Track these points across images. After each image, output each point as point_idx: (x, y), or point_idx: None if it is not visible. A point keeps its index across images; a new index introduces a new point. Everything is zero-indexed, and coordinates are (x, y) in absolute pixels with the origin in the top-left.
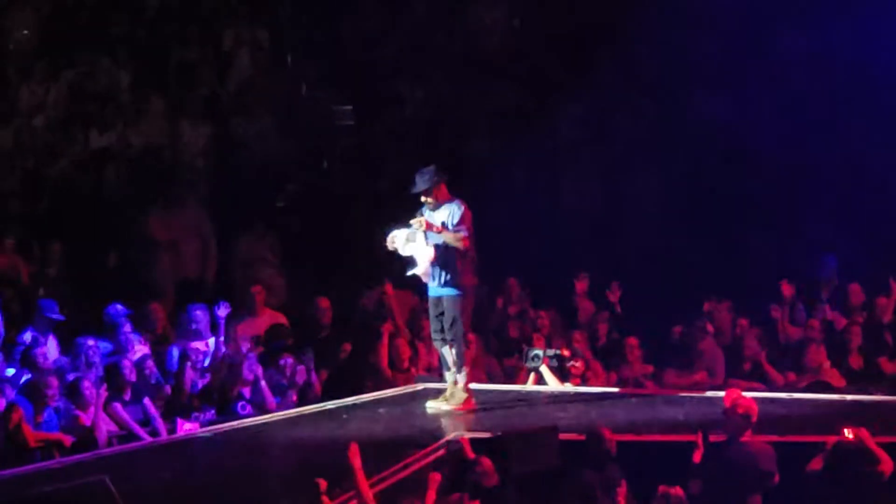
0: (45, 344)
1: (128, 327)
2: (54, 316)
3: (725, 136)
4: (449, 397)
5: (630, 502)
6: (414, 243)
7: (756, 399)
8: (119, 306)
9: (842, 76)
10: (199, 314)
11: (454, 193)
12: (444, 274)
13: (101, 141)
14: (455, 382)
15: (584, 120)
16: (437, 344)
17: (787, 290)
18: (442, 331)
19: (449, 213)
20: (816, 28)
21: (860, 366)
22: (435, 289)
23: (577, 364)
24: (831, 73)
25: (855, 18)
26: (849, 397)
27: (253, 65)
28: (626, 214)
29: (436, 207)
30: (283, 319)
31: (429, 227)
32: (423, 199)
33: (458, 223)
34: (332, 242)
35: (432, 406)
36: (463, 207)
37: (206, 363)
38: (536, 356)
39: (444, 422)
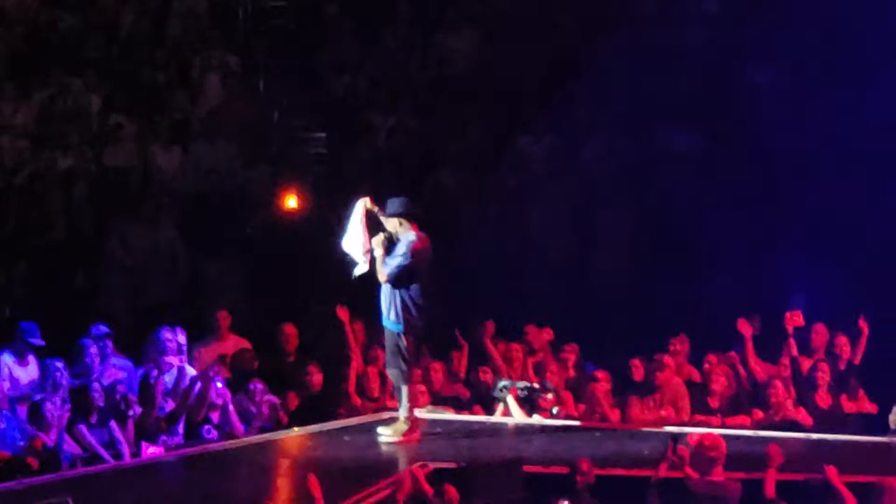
0: (26, 365)
1: (107, 349)
2: (35, 341)
3: (695, 169)
4: (392, 428)
5: None
6: (349, 238)
7: (723, 436)
8: (102, 327)
9: (814, 109)
10: (170, 336)
11: (420, 227)
12: (389, 307)
13: (70, 161)
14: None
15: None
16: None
17: (744, 328)
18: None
19: (404, 243)
20: (787, 61)
21: (828, 404)
22: (383, 319)
23: (549, 397)
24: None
25: (826, 51)
26: (814, 436)
27: (224, 90)
28: (595, 247)
29: (404, 232)
30: (247, 345)
31: (373, 203)
32: (390, 224)
33: (399, 262)
34: (301, 269)
35: (380, 432)
36: (414, 241)
37: (170, 386)
38: (504, 387)
39: (408, 451)
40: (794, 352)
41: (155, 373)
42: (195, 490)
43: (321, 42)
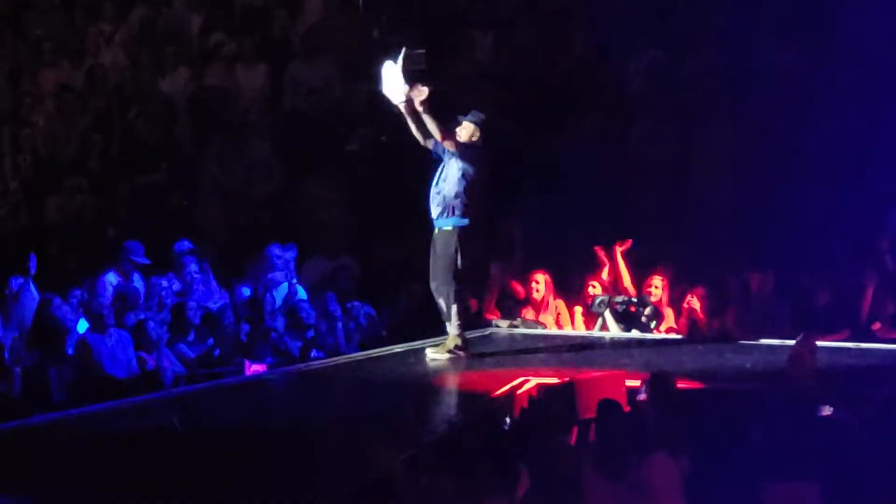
0: (134, 282)
1: (194, 266)
2: (140, 259)
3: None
4: (444, 345)
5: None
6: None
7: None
8: (186, 242)
9: None
10: (278, 252)
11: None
12: (450, 201)
13: (170, 82)
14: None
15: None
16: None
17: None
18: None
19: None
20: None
21: None
22: (437, 220)
23: (647, 312)
24: None
25: None
26: None
27: (324, 8)
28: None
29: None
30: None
31: (424, 104)
32: (464, 130)
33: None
34: (401, 187)
35: (428, 353)
36: (481, 145)
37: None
38: (602, 302)
39: (510, 366)
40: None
41: (262, 290)
42: (296, 406)
43: None
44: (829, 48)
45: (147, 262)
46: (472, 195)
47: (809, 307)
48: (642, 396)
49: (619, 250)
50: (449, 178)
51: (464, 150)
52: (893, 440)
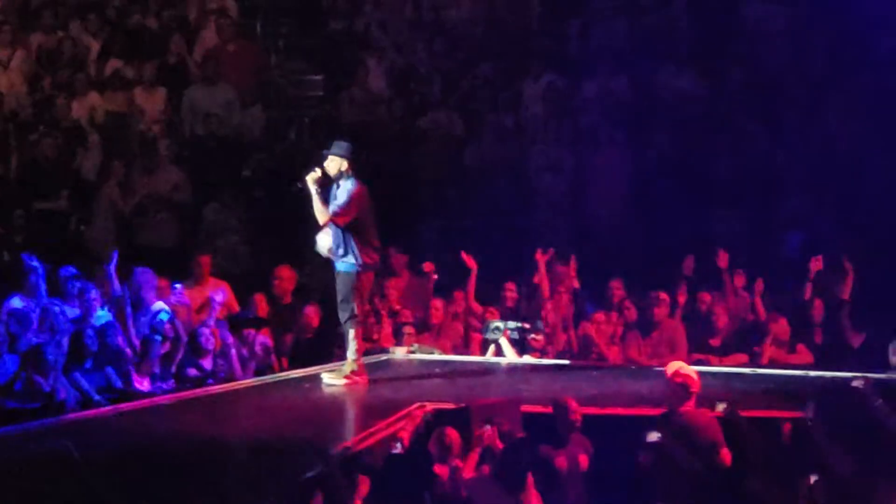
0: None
1: (93, 293)
2: (33, 263)
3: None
4: (341, 372)
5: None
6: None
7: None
8: (70, 268)
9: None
10: (148, 277)
11: (357, 174)
12: (341, 247)
13: (68, 106)
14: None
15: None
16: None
17: (722, 261)
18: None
19: (344, 190)
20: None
21: (823, 341)
22: (336, 263)
23: (538, 338)
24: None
25: None
26: (812, 373)
27: (220, 34)
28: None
29: (344, 179)
30: (226, 287)
31: (316, 182)
32: (331, 165)
33: (344, 201)
34: (297, 212)
35: (324, 378)
36: (355, 187)
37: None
38: (497, 328)
39: (408, 392)
40: (808, 294)
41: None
42: (192, 433)
43: None
44: (730, 75)
45: (39, 265)
46: (365, 237)
47: (710, 331)
48: (654, 438)
49: (541, 261)
50: (341, 229)
51: (346, 210)
52: None
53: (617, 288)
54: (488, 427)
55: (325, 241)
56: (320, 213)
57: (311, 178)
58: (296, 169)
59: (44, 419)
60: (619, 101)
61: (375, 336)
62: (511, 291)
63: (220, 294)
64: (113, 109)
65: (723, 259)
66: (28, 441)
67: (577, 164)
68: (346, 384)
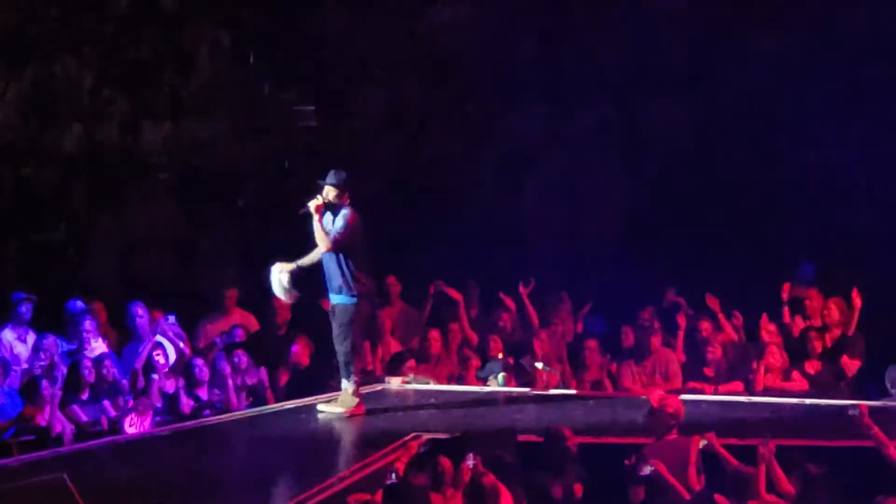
0: (25, 341)
1: (88, 324)
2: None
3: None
4: (338, 402)
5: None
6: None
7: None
8: (79, 302)
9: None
10: (140, 312)
11: (352, 203)
12: (335, 281)
13: (62, 138)
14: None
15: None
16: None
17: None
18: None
19: (341, 216)
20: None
21: (818, 370)
22: (332, 296)
23: (549, 376)
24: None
25: (825, 18)
26: (808, 401)
27: (213, 64)
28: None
29: (336, 210)
30: (252, 319)
31: (318, 209)
32: (328, 194)
33: (341, 225)
34: (292, 242)
35: (322, 410)
36: (349, 214)
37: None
38: (492, 371)
39: (403, 423)
40: (787, 319)
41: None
42: (188, 464)
43: (312, 14)
44: (724, 100)
45: (29, 301)
46: (357, 266)
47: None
48: (647, 471)
49: (524, 292)
50: (336, 259)
51: (344, 234)
52: None
53: None
54: (470, 460)
55: (278, 280)
56: (321, 239)
57: (314, 205)
58: (290, 199)
59: (40, 451)
60: (611, 129)
61: (370, 367)
62: (504, 322)
63: (240, 328)
64: (107, 140)
65: (712, 302)
66: (24, 473)
67: (573, 193)
68: (341, 413)
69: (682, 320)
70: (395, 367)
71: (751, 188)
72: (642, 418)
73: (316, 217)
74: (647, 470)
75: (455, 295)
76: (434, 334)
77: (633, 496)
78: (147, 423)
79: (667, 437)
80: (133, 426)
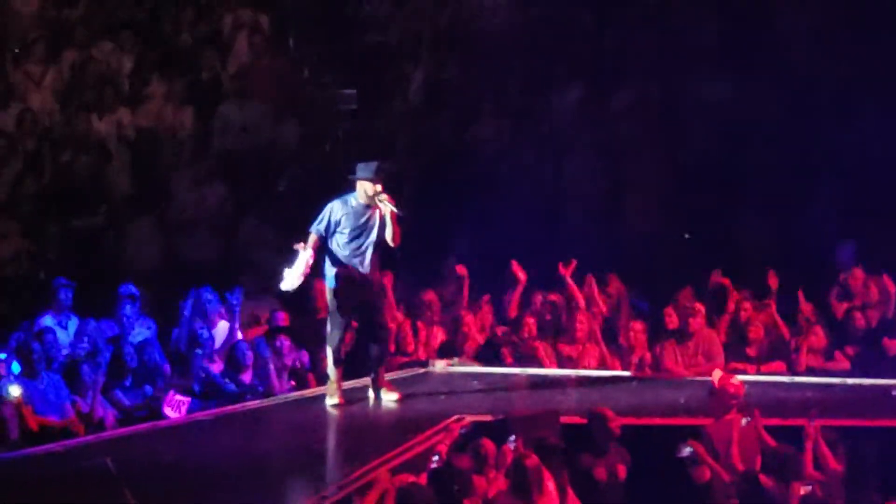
0: (66, 327)
1: (129, 309)
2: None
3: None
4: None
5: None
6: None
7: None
8: (131, 286)
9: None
10: (209, 297)
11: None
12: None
13: (102, 123)
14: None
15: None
16: None
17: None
18: None
19: (386, 208)
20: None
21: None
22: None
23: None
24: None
25: None
26: (850, 381)
27: (252, 48)
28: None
29: (378, 199)
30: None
31: (391, 201)
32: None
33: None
34: None
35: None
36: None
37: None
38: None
39: (446, 405)
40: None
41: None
42: (230, 448)
43: None
44: (759, 78)
45: (70, 286)
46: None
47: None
48: (686, 452)
49: (565, 273)
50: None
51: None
52: None
53: None
54: (512, 442)
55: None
56: (396, 234)
57: (389, 205)
58: (331, 182)
59: (83, 437)
60: (652, 108)
61: (411, 349)
62: (538, 304)
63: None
64: (147, 125)
65: (773, 280)
66: (67, 459)
67: (613, 173)
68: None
69: (731, 303)
70: (443, 352)
71: (788, 167)
72: (691, 399)
73: (389, 209)
74: (685, 451)
75: (521, 274)
76: (468, 317)
77: (698, 475)
78: (187, 404)
79: (725, 418)
80: (171, 406)
